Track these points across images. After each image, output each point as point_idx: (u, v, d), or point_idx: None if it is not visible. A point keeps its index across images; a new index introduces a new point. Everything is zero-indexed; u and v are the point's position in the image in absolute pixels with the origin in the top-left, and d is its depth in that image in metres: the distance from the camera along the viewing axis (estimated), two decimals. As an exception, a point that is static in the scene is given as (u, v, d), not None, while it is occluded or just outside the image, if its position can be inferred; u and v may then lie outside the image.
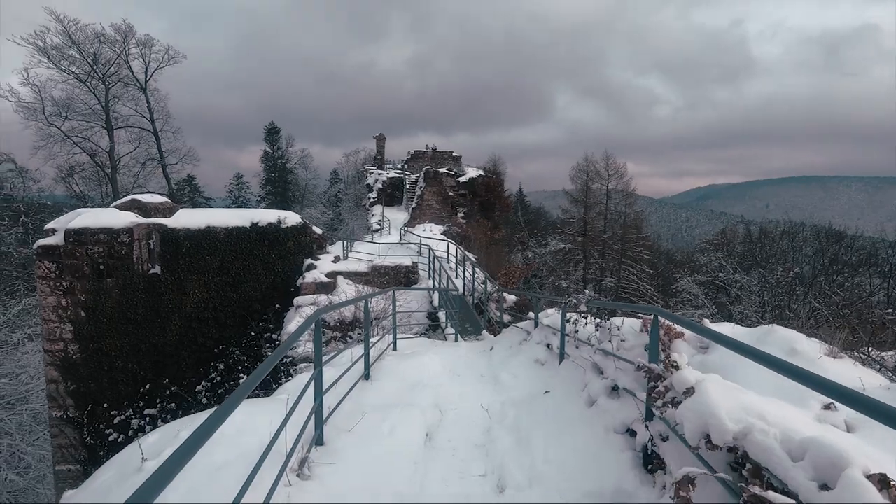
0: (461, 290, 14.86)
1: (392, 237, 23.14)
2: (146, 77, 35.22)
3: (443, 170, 33.36)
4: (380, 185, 33.94)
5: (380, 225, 28.23)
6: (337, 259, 15.76)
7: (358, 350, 6.59)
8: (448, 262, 17.12)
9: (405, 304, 14.11)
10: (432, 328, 14.26)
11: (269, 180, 49.41)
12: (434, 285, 14.72)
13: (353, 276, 15.03)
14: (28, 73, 29.47)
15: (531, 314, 8.81)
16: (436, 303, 13.73)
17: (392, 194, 34.31)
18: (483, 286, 15.06)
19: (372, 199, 33.60)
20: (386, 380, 6.16)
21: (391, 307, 14.04)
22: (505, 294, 14.04)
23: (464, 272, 15.00)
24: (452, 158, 40.24)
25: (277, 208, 52.75)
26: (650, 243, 48.14)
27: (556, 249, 44.96)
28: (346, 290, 14.37)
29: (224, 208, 15.14)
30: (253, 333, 14.88)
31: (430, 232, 20.05)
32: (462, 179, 34.45)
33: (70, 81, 31.55)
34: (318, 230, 15.97)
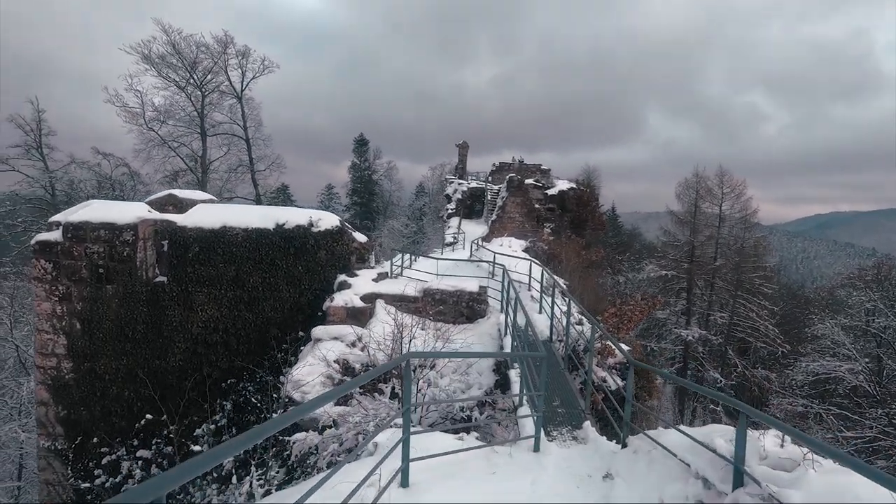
0: (547, 334, 9.75)
1: (465, 253, 18.58)
2: (242, 86, 34.28)
3: (529, 181, 28.31)
4: (459, 196, 29.60)
5: (454, 238, 23.82)
6: (381, 277, 11.39)
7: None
8: (529, 290, 12.08)
9: (461, 347, 9.31)
10: (501, 386, 9.30)
11: (355, 191, 47.36)
12: (506, 322, 9.75)
13: (397, 300, 10.53)
14: (132, 79, 29.18)
15: (717, 440, 3.62)
16: (507, 347, 8.79)
17: (472, 206, 29.82)
18: (580, 328, 9.84)
19: (450, 211, 29.33)
20: None
21: (444, 346, 9.30)
22: (610, 342, 8.80)
23: (551, 305, 9.91)
24: (541, 171, 34.97)
25: (362, 219, 50.41)
26: (772, 275, 38.78)
27: (654, 276, 37.52)
28: (386, 321, 9.91)
29: (246, 205, 12.01)
30: (269, 365, 10.93)
31: (509, 248, 15.17)
32: (550, 192, 29.07)
33: (170, 88, 31.09)
34: (361, 237, 11.73)
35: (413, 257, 16.33)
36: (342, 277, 10.70)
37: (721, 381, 32.08)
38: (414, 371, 9.25)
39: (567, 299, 8.95)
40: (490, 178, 34.33)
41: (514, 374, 7.52)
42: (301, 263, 10.90)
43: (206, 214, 11.00)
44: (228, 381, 11.02)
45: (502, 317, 10.46)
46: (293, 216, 11.09)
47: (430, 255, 15.34)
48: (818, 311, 35.62)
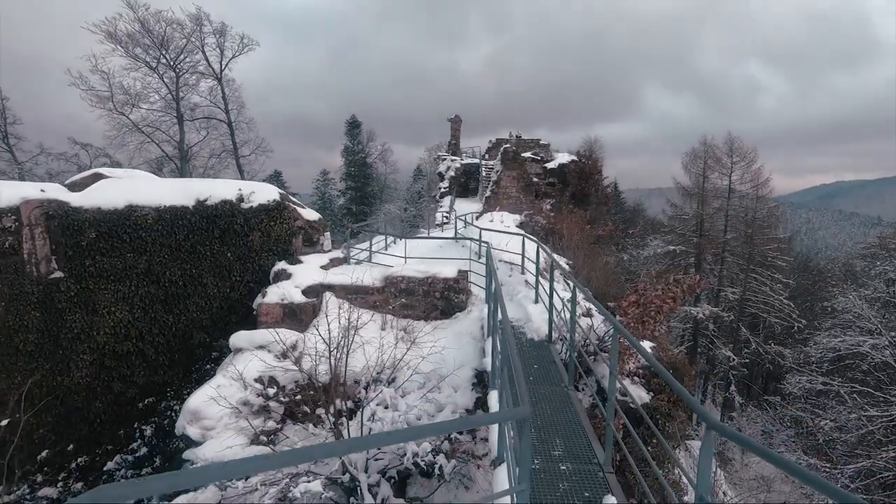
0: (545, 332, 7.07)
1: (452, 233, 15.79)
2: (221, 66, 31.29)
3: (527, 154, 25.34)
4: (452, 174, 26.72)
5: (446, 218, 21.05)
6: (335, 263, 8.71)
7: None
8: (523, 273, 9.37)
9: (430, 353, 6.68)
10: (483, 405, 6.67)
11: (350, 175, 44.48)
12: (489, 320, 7.07)
13: (352, 293, 7.88)
14: (96, 59, 26.26)
15: None
16: (488, 361, 6.12)
17: (466, 184, 26.95)
18: (588, 321, 7.17)
19: (442, 190, 26.49)
20: None
21: (409, 352, 6.59)
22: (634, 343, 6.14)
23: (550, 293, 7.19)
24: (539, 145, 31.92)
25: (358, 204, 47.53)
26: (785, 247, 35.61)
27: (662, 252, 34.54)
28: (335, 320, 7.27)
29: (160, 178, 9.43)
30: (197, 379, 8.39)
31: (500, 223, 12.41)
32: (550, 166, 26.05)
33: (141, 69, 28.21)
34: (310, 214, 9.01)
35: (393, 239, 13.66)
36: (280, 265, 8.03)
37: (733, 360, 29.52)
38: (366, 388, 6.66)
39: (571, 284, 6.22)
40: (486, 156, 31.36)
41: (493, 401, 4.86)
42: (229, 249, 8.24)
43: (108, 191, 8.32)
44: (147, 401, 8.50)
45: (486, 309, 7.76)
46: (218, 189, 8.37)
47: (409, 235, 12.60)
48: (837, 282, 32.75)
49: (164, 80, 28.96)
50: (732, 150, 33.86)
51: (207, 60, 30.93)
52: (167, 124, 30.39)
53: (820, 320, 29.64)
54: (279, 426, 6.04)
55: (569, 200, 23.37)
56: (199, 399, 5.96)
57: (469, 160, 28.21)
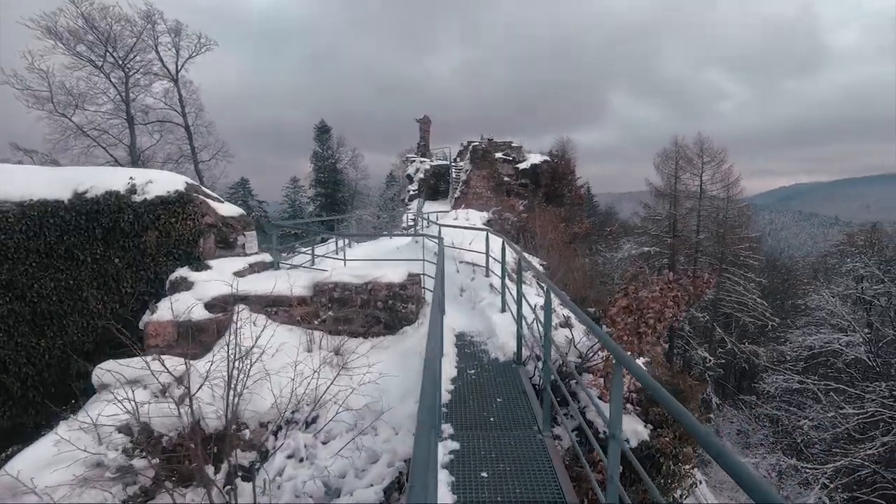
0: (512, 348, 5.46)
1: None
2: (177, 67, 29.02)
3: (498, 154, 23.98)
4: (421, 176, 25.11)
5: (413, 222, 19.44)
6: (256, 268, 6.93)
7: None
8: (488, 275, 7.77)
9: (364, 382, 4.98)
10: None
11: (319, 181, 42.50)
12: (440, 340, 5.39)
13: (271, 304, 6.12)
14: (33, 56, 23.68)
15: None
16: (448, 387, 4.46)
17: (436, 186, 25.36)
18: (566, 333, 5.60)
19: (411, 192, 24.86)
20: None
21: (337, 380, 4.91)
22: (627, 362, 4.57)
23: (518, 298, 5.56)
24: (511, 147, 30.72)
25: (328, 211, 45.60)
26: (757, 245, 35.28)
27: (636, 253, 33.70)
28: (246, 342, 5.50)
29: (26, 165, 7.73)
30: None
31: (466, 220, 10.78)
32: (522, 166, 24.78)
33: (85, 68, 25.72)
34: (229, 209, 7.18)
35: (347, 241, 11.96)
36: (180, 272, 6.20)
37: (709, 360, 28.75)
38: (276, 433, 4.90)
39: (545, 287, 4.61)
40: (457, 159, 29.97)
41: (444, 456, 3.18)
42: (116, 253, 6.36)
43: (-41, 183, 6.35)
44: (12, 450, 6.53)
45: (447, 320, 6.09)
46: (103, 178, 6.50)
47: (344, 233, 10.88)
48: (809, 280, 32.57)
49: (112, 79, 26.52)
50: (703, 150, 33.55)
51: (162, 60, 28.65)
52: (117, 127, 27.91)
53: (792, 318, 29.26)
54: (144, 496, 4.25)
55: (542, 200, 22.07)
56: (25, 463, 4.10)
57: (439, 162, 26.67)
